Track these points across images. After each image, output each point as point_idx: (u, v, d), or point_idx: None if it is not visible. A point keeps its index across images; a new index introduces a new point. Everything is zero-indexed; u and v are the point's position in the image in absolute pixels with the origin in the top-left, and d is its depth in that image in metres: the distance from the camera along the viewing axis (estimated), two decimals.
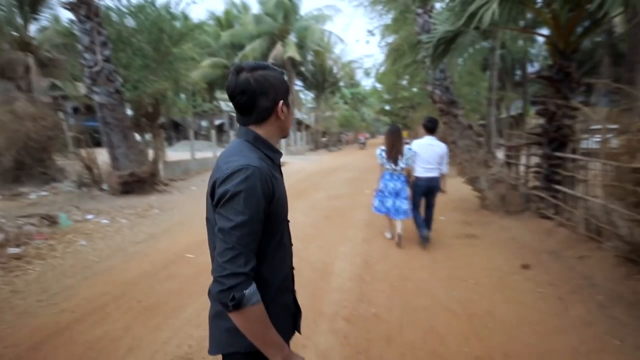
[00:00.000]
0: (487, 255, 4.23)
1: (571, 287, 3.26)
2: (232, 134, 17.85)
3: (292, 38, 23.94)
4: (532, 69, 20.65)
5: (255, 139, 1.04)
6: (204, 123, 29.37)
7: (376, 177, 4.95)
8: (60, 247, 4.52)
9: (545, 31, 6.72)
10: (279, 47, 22.43)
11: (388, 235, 4.94)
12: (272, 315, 0.96)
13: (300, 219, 5.93)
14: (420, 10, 6.83)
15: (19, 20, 10.50)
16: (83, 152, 8.75)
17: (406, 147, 4.53)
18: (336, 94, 34.62)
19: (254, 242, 0.93)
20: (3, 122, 8.60)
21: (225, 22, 25.65)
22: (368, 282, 3.48)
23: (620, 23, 11.24)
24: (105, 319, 2.75)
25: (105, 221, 5.90)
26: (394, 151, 4.45)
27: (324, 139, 32.14)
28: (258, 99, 1.00)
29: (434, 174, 4.54)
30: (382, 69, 16.28)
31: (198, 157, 13.32)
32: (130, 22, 8.95)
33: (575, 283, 3.33)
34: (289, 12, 23.48)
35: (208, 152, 14.79)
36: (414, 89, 15.71)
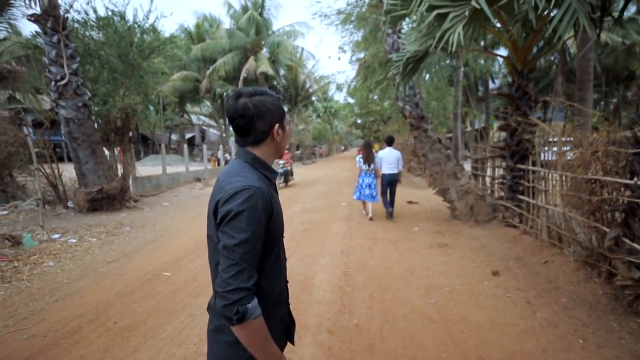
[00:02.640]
0: (459, 263, 4.43)
1: (537, 291, 3.49)
2: (204, 148, 17.57)
3: (264, 53, 24.16)
4: (493, 85, 21.95)
5: (253, 160, 1.11)
6: (174, 137, 28.75)
7: (351, 190, 7.16)
8: (25, 269, 4.28)
9: (504, 52, 7.26)
10: (251, 62, 22.55)
11: (364, 212, 7.38)
12: (269, 328, 1.02)
13: None
14: (390, 31, 7.18)
15: None
16: (46, 168, 8.35)
17: (375, 155, 7.10)
18: (309, 108, 35.08)
19: (256, 258, 0.99)
20: None
21: (196, 35, 25.53)
22: (348, 293, 3.55)
23: (572, 44, 12.25)
24: (80, 342, 2.64)
25: (72, 240, 5.64)
26: (368, 158, 6.97)
27: (297, 152, 32.29)
28: (256, 122, 1.08)
29: (393, 171, 6.99)
30: (354, 84, 16.73)
31: (169, 172, 13.01)
32: (98, 35, 8.75)
33: (540, 287, 3.56)
34: (261, 28, 23.74)
35: (180, 167, 14.48)
36: (385, 104, 16.22)
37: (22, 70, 10.98)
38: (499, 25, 5.75)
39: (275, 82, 27.30)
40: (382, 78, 11.14)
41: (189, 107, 30.16)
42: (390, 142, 7.35)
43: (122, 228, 6.54)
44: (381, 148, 8.79)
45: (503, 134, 6.02)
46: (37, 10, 7.17)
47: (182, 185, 12.85)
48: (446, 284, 3.77)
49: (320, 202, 9.12)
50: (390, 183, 7.00)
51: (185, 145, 16.26)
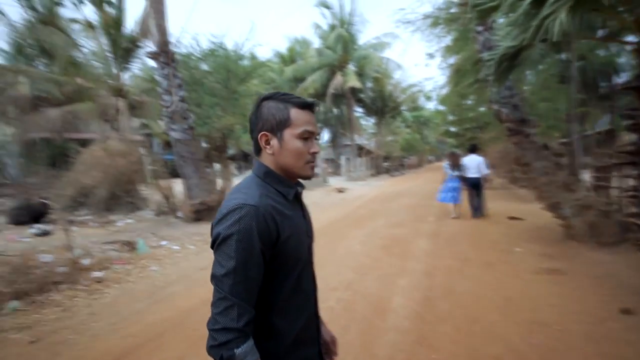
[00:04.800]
0: (575, 295, 3.62)
1: None
2: None
3: (351, 67, 24.52)
4: (619, 79, 18.31)
5: (266, 173, 0.99)
6: None
7: (438, 203, 8.92)
8: (135, 272, 4.91)
9: (631, 38, 5.93)
10: (338, 77, 23.08)
11: (453, 215, 8.12)
12: None
13: (356, 247, 5.75)
14: (480, 28, 6.50)
15: (114, 70, 12.25)
16: (161, 183, 9.69)
17: (461, 161, 8.16)
18: (397, 118, 34.24)
19: (250, 291, 0.84)
20: (99, 158, 9.91)
21: (288, 58, 27.26)
22: (429, 322, 3.15)
23: None
24: (162, 347, 2.84)
25: (176, 247, 6.32)
26: (455, 165, 8.13)
27: (385, 164, 31.65)
28: (253, 131, 1.00)
29: (476, 175, 7.86)
30: (445, 90, 15.72)
31: None
32: (201, 65, 9.90)
33: None
34: (347, 44, 24.19)
35: None
36: (481, 109, 14.83)
37: (146, 100, 13.08)
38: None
39: (362, 95, 27.45)
40: (474, 81, 10.20)
41: None
42: (472, 149, 8.22)
43: None
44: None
45: (633, 137, 4.84)
46: (154, 48, 8.43)
47: None
48: (556, 321, 3.08)
49: (404, 217, 8.63)
50: (472, 186, 7.95)
51: None
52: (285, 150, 0.97)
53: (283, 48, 28.39)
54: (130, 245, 6.17)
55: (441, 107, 25.29)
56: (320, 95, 24.61)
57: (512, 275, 4.29)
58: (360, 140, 31.09)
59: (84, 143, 12.34)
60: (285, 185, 0.99)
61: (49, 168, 12.85)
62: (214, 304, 0.82)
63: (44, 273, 4.46)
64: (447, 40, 11.65)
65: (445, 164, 8.51)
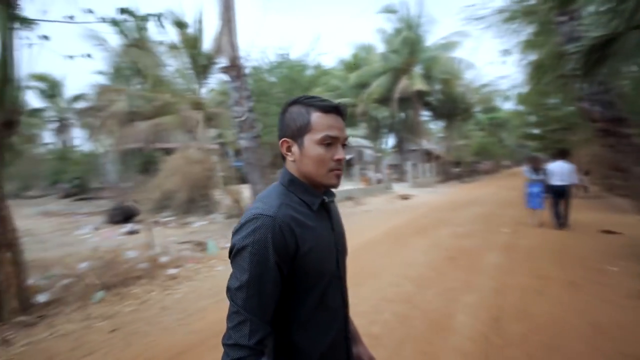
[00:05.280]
0: None
1: None
2: (356, 168, 18.35)
3: (417, 70, 23.75)
4: None
5: (290, 181, 0.95)
6: None
7: (517, 213, 8.88)
8: (203, 271, 5.26)
9: None
10: (404, 81, 22.50)
11: (531, 222, 7.76)
12: None
13: (417, 258, 5.46)
14: (562, 18, 5.81)
15: (194, 85, 13.47)
16: (231, 188, 10.36)
17: (546, 166, 7.54)
18: (469, 121, 32.17)
19: (264, 306, 0.81)
20: (179, 165, 10.93)
21: (353, 64, 27.35)
22: (496, 346, 2.84)
23: None
24: (218, 346, 2.97)
25: None
26: (536, 169, 7.66)
27: (456, 170, 29.87)
28: (279, 137, 0.97)
29: (564, 183, 7.14)
30: (523, 89, 14.36)
31: None
32: (268, 76, 10.41)
33: None
34: (414, 46, 23.49)
35: None
36: (567, 108, 13.22)
37: (220, 112, 14.12)
38: None
39: (430, 98, 26.36)
40: (557, 77, 9.13)
41: (350, 130, 32.40)
42: (560, 155, 7.59)
43: None
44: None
45: None
46: (226, 64, 9.07)
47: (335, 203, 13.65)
48: None
49: (474, 227, 7.99)
50: (559, 194, 7.24)
51: None
52: (305, 157, 0.92)
53: (347, 55, 28.60)
54: (202, 246, 6.66)
55: (520, 108, 23.22)
56: (385, 100, 24.23)
57: (602, 298, 3.69)
58: (427, 145, 29.83)
59: (168, 152, 13.77)
60: (310, 195, 0.94)
61: (139, 174, 14.58)
62: (228, 317, 0.81)
63: (128, 268, 5.02)
64: (525, 34, 10.65)
65: (525, 168, 8.40)
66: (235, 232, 0.85)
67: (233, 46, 9.13)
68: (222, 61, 9.53)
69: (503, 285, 4.22)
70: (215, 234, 7.89)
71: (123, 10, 4.28)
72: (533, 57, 11.65)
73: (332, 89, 24.01)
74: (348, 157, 35.26)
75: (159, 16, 4.80)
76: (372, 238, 7.16)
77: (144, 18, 4.70)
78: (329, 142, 0.91)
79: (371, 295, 3.94)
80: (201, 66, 14.32)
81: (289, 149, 0.95)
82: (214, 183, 11.70)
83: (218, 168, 11.43)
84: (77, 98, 27.10)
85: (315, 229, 0.91)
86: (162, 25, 5.01)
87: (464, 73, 25.27)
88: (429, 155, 29.13)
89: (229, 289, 0.83)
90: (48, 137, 28.29)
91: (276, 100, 10.22)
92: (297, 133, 0.93)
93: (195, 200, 11.47)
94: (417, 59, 23.82)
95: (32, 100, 27.87)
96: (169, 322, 3.48)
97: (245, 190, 10.75)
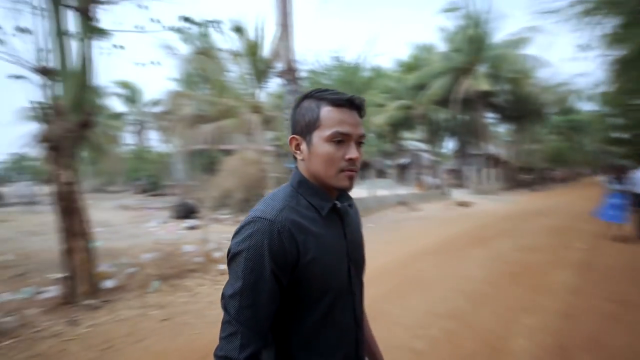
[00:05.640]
0: None
1: None
2: (411, 172, 17.76)
3: (481, 69, 22.34)
4: None
5: (299, 183, 0.86)
6: (388, 162, 30.55)
7: (593, 226, 7.76)
8: None
9: None
10: (467, 81, 21.30)
11: (612, 236, 6.82)
12: None
13: (473, 271, 5.05)
14: None
15: (253, 89, 14.07)
16: None
17: (633, 174, 6.82)
18: (542, 124, 29.43)
19: (259, 319, 0.74)
20: (237, 166, 11.47)
21: (411, 65, 26.54)
22: None
23: None
24: None
25: None
26: (620, 177, 6.86)
27: (525, 177, 27.49)
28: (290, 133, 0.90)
29: None
30: (607, 88, 12.77)
31: (378, 195, 13.80)
32: (322, 79, 10.47)
33: None
34: (479, 44, 22.12)
35: (388, 190, 15.10)
36: None
37: (276, 114, 14.58)
38: None
39: (495, 99, 24.62)
40: None
41: (404, 134, 31.48)
42: None
43: None
44: None
45: None
46: (282, 67, 9.31)
47: (387, 208, 13.30)
48: None
49: (543, 240, 7.22)
50: None
51: (393, 170, 16.89)
52: (313, 155, 0.84)
53: (404, 56, 27.81)
54: None
55: (603, 109, 20.74)
56: (445, 101, 23.13)
57: None
58: (492, 149, 27.87)
59: (228, 153, 14.53)
60: (320, 198, 0.85)
61: (203, 173, 15.59)
62: (221, 326, 0.76)
63: (184, 261, 5.33)
64: (610, 27, 9.46)
65: (604, 177, 7.75)
66: (233, 236, 0.80)
67: (289, 51, 9.34)
68: (279, 65, 9.81)
69: (573, 308, 3.72)
70: None
71: (184, 19, 4.56)
72: (619, 52, 10.29)
73: (388, 91, 23.54)
74: (403, 161, 34.32)
75: (217, 23, 5.06)
76: (424, 246, 6.82)
77: (204, 25, 4.97)
78: (340, 140, 0.81)
79: (417, 308, 3.72)
80: (260, 71, 14.93)
81: (297, 147, 0.87)
82: (267, 183, 12.07)
83: (272, 169, 11.77)
84: (153, 103, 29.91)
85: (322, 237, 0.82)
86: (220, 31, 5.28)
87: (535, 71, 23.26)
88: (493, 161, 27.19)
89: (222, 296, 0.78)
90: (128, 138, 31.57)
91: None
92: (306, 129, 0.84)
93: (250, 200, 11.93)
94: (482, 58, 22.40)
95: (116, 104, 31.36)
96: (214, 317, 3.60)
97: None
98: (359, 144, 0.84)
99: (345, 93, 0.83)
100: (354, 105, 0.83)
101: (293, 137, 0.87)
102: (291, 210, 0.80)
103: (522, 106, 24.54)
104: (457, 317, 3.48)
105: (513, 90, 24.21)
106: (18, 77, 4.03)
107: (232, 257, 0.77)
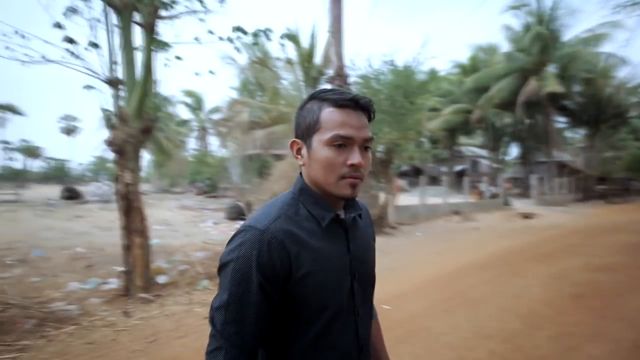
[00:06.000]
0: None
1: None
2: (466, 180, 16.87)
3: (550, 70, 20.57)
4: None
5: (301, 190, 0.80)
6: (444, 168, 29.26)
7: None
8: None
9: None
10: (532, 83, 19.72)
11: None
12: None
13: (532, 290, 4.59)
14: None
15: (304, 96, 14.42)
16: None
17: None
18: (622, 129, 26.23)
19: (245, 335, 0.69)
20: (286, 170, 11.73)
21: (470, 67, 25.26)
22: None
23: None
24: None
25: None
26: None
27: (601, 187, 24.65)
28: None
29: None
30: None
31: (429, 203, 13.24)
32: (373, 84, 10.33)
33: None
34: (547, 43, 20.40)
35: (440, 198, 14.43)
36: None
37: None
38: None
39: (566, 102, 22.49)
40: None
41: (462, 139, 29.95)
42: None
43: None
44: None
45: None
46: (331, 73, 9.37)
47: (439, 217, 12.69)
48: None
49: (617, 258, 6.37)
50: None
51: (446, 178, 16.12)
52: (313, 160, 0.77)
53: (463, 57, 26.54)
54: None
55: None
56: (508, 104, 21.62)
57: None
58: (562, 156, 25.43)
59: (279, 158, 14.93)
60: (322, 208, 0.79)
61: (256, 177, 16.19)
62: (209, 339, 0.73)
63: None
64: None
65: None
66: (226, 244, 0.77)
67: (339, 56, 9.37)
68: (330, 71, 9.88)
69: None
70: None
71: (236, 29, 4.78)
72: None
73: (445, 95, 22.59)
74: (459, 167, 32.59)
75: (268, 32, 5.23)
76: (477, 260, 6.37)
77: (256, 34, 5.17)
78: (341, 143, 0.75)
79: (464, 327, 3.46)
80: (312, 78, 15.20)
81: (299, 151, 0.81)
82: None
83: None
84: (213, 110, 31.86)
85: (320, 250, 0.76)
86: (273, 40, 5.44)
87: (614, 71, 20.89)
88: (563, 169, 24.81)
89: (210, 307, 0.74)
90: (192, 143, 33.93)
91: (380, 108, 10.05)
92: (306, 132, 0.78)
93: None
94: (552, 57, 20.63)
95: (183, 112, 33.91)
96: None
97: None
98: (365, 148, 0.77)
99: (351, 92, 0.77)
100: (358, 105, 0.77)
101: (294, 141, 0.82)
102: (287, 220, 0.75)
103: (598, 109, 22.11)
104: (508, 340, 3.18)
105: (587, 91, 21.96)
106: (92, 87, 4.50)
107: (220, 267, 0.74)
